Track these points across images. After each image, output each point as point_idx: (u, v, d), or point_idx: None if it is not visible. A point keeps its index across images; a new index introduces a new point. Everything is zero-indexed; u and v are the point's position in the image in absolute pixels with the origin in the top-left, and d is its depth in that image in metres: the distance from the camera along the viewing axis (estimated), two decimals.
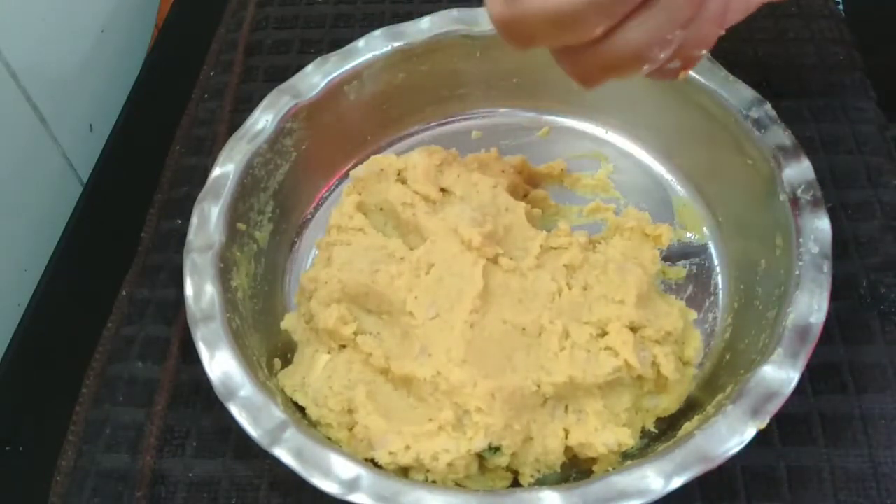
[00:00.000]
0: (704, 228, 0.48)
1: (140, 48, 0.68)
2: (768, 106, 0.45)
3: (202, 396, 0.43)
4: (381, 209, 0.46)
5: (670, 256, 0.47)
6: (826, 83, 0.54)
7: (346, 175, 0.51)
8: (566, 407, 0.40)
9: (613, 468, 0.37)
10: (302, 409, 0.41)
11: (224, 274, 0.42)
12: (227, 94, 0.57)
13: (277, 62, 0.58)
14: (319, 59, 0.49)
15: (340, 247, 0.44)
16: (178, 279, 0.42)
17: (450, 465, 0.37)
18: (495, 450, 0.38)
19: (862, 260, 0.46)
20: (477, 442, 0.37)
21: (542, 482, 0.39)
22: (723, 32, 0.32)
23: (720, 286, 0.46)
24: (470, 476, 0.38)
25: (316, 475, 0.35)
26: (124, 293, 0.48)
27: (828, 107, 0.52)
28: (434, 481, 0.38)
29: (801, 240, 0.41)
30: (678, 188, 0.50)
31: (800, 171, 0.43)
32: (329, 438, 0.39)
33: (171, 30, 0.65)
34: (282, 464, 0.36)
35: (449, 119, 0.54)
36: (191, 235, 0.43)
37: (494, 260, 0.42)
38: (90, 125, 0.62)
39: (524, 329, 0.40)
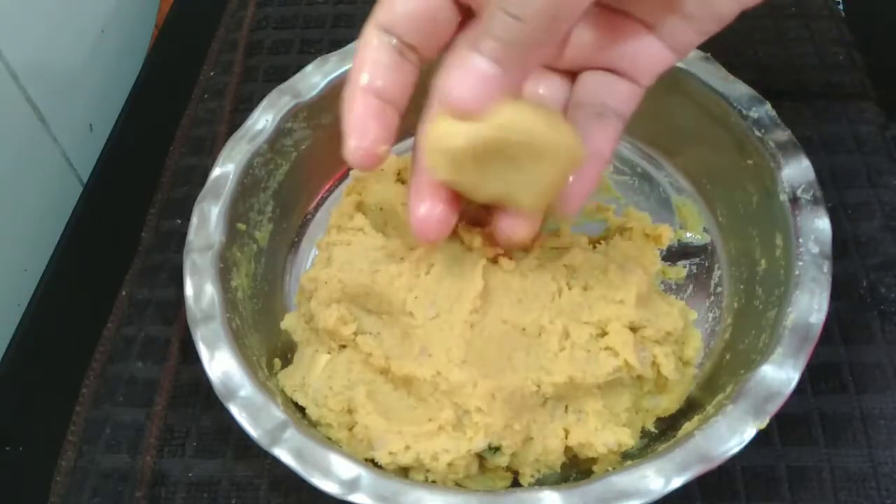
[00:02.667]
0: (704, 228, 0.48)
1: (140, 48, 0.68)
2: (768, 106, 0.45)
3: (202, 396, 0.43)
4: (381, 209, 0.46)
5: (670, 256, 0.47)
6: (826, 83, 0.54)
7: (346, 175, 0.51)
8: (566, 407, 0.40)
9: (613, 468, 0.37)
10: (302, 409, 0.41)
11: (224, 274, 0.42)
12: (227, 94, 0.57)
13: (277, 62, 0.58)
14: (319, 59, 0.49)
15: (340, 247, 0.44)
16: (178, 279, 0.42)
17: (450, 465, 0.37)
18: (495, 450, 0.38)
19: (862, 260, 0.46)
20: (477, 442, 0.37)
21: (542, 482, 0.39)
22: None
23: (720, 286, 0.46)
24: (470, 476, 0.38)
25: (316, 475, 0.35)
26: (124, 293, 0.48)
27: (828, 107, 0.52)
28: (434, 481, 0.38)
29: (801, 240, 0.41)
30: (678, 188, 0.50)
31: (800, 171, 0.43)
32: (329, 438, 0.39)
33: (171, 30, 0.65)
34: (282, 464, 0.36)
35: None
36: (191, 235, 0.43)
37: (494, 260, 0.42)
38: (90, 125, 0.62)
39: (524, 329, 0.40)
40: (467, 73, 0.29)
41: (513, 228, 0.36)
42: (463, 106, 0.29)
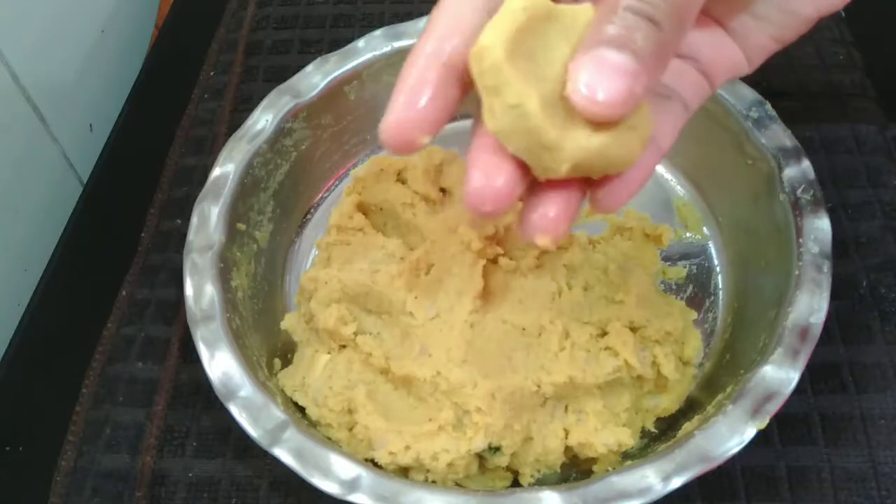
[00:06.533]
0: (704, 228, 0.48)
1: (140, 48, 0.68)
2: (768, 106, 0.45)
3: (202, 396, 0.43)
4: (381, 209, 0.46)
5: (670, 256, 0.47)
6: (826, 83, 0.54)
7: (346, 175, 0.51)
8: (566, 407, 0.40)
9: (613, 468, 0.37)
10: (302, 409, 0.41)
11: (224, 274, 0.42)
12: (227, 94, 0.57)
13: (277, 62, 0.58)
14: (319, 59, 0.50)
15: (340, 247, 0.44)
16: (178, 279, 0.42)
17: (450, 465, 0.37)
18: (495, 450, 0.38)
19: (862, 260, 0.46)
20: (477, 442, 0.37)
21: (542, 482, 0.39)
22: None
23: (720, 286, 0.46)
24: (470, 476, 0.38)
25: (316, 475, 0.35)
26: (124, 293, 0.48)
27: (828, 107, 0.52)
28: (434, 481, 0.38)
29: (801, 240, 0.41)
30: (678, 188, 0.50)
31: (800, 171, 0.43)
32: (329, 438, 0.39)
33: (171, 30, 0.65)
34: (282, 464, 0.36)
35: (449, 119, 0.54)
36: (191, 235, 0.43)
37: (494, 260, 0.42)
38: (90, 125, 0.62)
39: (524, 329, 0.40)
40: (605, 66, 0.24)
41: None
42: (606, 104, 0.24)
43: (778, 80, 0.53)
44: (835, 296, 0.39)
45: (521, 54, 0.25)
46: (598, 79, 0.24)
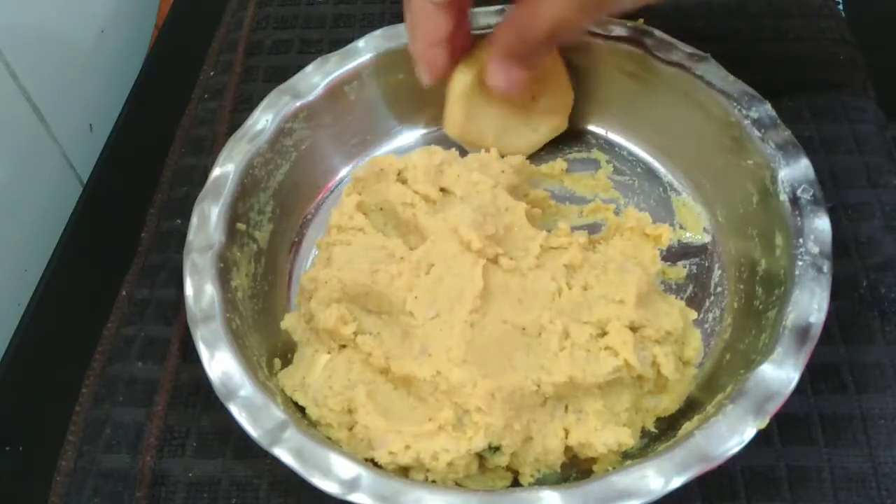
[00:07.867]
0: (704, 228, 0.48)
1: (140, 48, 0.68)
2: (768, 106, 0.45)
3: (202, 396, 0.43)
4: (381, 209, 0.46)
5: (670, 256, 0.47)
6: (826, 83, 0.54)
7: (347, 175, 0.51)
8: (566, 407, 0.40)
9: (613, 468, 0.37)
10: (302, 409, 0.41)
11: (224, 274, 0.42)
12: (227, 94, 0.57)
13: (277, 62, 0.58)
14: (319, 59, 0.50)
15: (340, 247, 0.44)
16: (178, 279, 0.42)
17: (450, 464, 0.37)
18: (495, 449, 0.38)
19: (862, 260, 0.46)
20: (477, 442, 0.37)
21: (542, 482, 0.39)
22: None
23: (720, 286, 0.46)
24: (470, 476, 0.38)
25: (316, 475, 0.35)
26: (124, 293, 0.48)
27: (828, 107, 0.52)
28: (434, 481, 0.38)
29: (801, 240, 0.41)
30: (678, 188, 0.50)
31: (800, 171, 0.43)
32: (329, 438, 0.39)
33: (171, 30, 0.65)
34: (282, 464, 0.36)
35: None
36: (191, 235, 0.43)
37: (494, 260, 0.42)
38: (90, 125, 0.62)
39: (524, 329, 0.40)
40: (503, 73, 0.44)
41: None
42: (504, 89, 0.44)
43: (778, 79, 0.53)
44: (835, 296, 0.39)
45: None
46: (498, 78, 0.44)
